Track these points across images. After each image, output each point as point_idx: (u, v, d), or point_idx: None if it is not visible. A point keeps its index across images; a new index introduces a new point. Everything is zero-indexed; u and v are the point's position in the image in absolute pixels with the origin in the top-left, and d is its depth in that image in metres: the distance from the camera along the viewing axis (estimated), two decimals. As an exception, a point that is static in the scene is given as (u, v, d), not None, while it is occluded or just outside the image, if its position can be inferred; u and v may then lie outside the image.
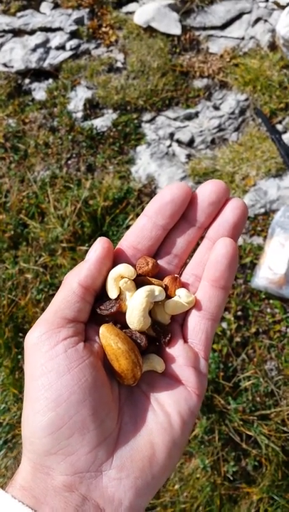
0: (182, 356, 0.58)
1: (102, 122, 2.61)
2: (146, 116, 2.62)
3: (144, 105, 2.61)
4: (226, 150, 2.44)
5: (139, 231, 0.60)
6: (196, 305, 0.60)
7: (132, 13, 2.89)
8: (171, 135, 2.55)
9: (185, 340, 0.60)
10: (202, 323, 0.60)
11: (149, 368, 0.58)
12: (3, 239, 2.33)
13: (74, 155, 2.54)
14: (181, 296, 0.59)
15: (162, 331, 0.60)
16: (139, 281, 0.60)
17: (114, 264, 0.60)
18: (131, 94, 2.63)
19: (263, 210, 2.22)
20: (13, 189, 2.45)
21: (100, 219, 2.29)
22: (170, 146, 2.52)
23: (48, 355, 0.52)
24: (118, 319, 0.60)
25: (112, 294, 0.59)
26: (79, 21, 2.93)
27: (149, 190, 2.39)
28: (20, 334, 2.13)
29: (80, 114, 2.65)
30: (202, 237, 0.62)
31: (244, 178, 2.30)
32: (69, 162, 2.53)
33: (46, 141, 2.59)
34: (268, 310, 2.07)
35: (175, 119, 2.59)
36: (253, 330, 2.03)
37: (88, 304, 0.57)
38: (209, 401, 1.92)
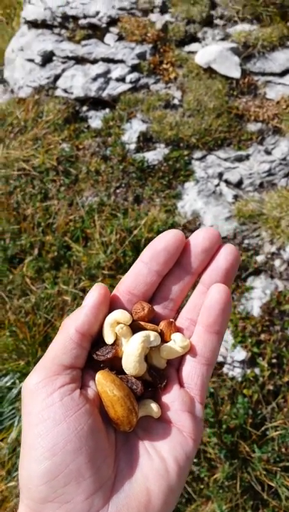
0: (178, 401, 0.59)
1: (153, 156, 2.65)
2: (197, 154, 2.65)
3: (196, 143, 2.65)
4: (274, 195, 2.46)
5: (135, 276, 0.61)
6: (192, 350, 0.61)
7: (193, 52, 2.96)
8: (220, 175, 2.58)
9: (181, 385, 0.60)
10: (198, 368, 0.60)
11: (145, 413, 0.59)
12: (46, 259, 2.37)
13: (123, 185, 2.59)
14: (177, 341, 0.60)
15: (158, 376, 0.60)
16: (135, 327, 0.60)
17: (111, 309, 0.61)
18: (184, 132, 2.67)
19: (306, 259, 2.22)
20: (60, 211, 2.50)
21: (142, 250, 2.30)
22: (218, 185, 2.55)
23: (45, 403, 0.53)
24: (114, 364, 0.60)
25: (109, 339, 0.59)
26: (141, 56, 3.01)
27: (193, 227, 2.42)
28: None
29: (133, 146, 2.70)
30: (196, 282, 0.63)
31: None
32: (117, 191, 2.57)
33: (98, 168, 2.64)
34: (303, 360, 2.05)
35: (225, 160, 2.62)
36: (286, 379, 2.01)
37: (85, 349, 0.58)
38: (234, 447, 1.90)
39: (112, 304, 0.61)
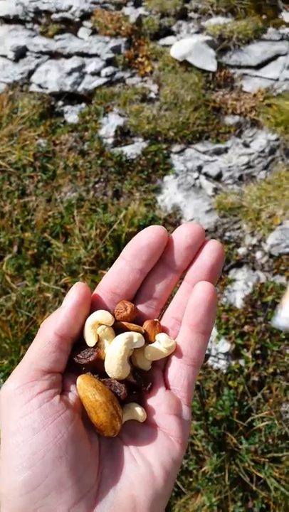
0: (164, 404, 0.57)
1: (131, 150, 2.63)
2: (176, 148, 2.64)
3: (174, 137, 2.64)
4: (254, 187, 2.46)
5: (117, 275, 0.59)
6: (177, 351, 0.59)
7: (168, 45, 2.95)
8: (200, 168, 2.57)
9: (167, 387, 0.59)
10: (183, 369, 0.58)
11: (130, 417, 0.57)
12: (25, 256, 2.34)
13: (102, 179, 2.56)
14: (161, 342, 0.58)
15: (143, 378, 0.58)
16: (117, 327, 0.59)
17: (92, 309, 0.59)
18: (162, 125, 2.66)
19: (287, 250, 2.23)
20: (39, 208, 2.47)
21: (123, 244, 2.29)
22: (198, 178, 2.55)
23: (23, 410, 0.51)
24: (97, 367, 0.58)
25: (90, 341, 0.57)
26: (116, 49, 2.98)
27: (174, 220, 2.41)
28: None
29: (110, 140, 2.68)
30: (181, 280, 0.61)
31: (270, 217, 2.31)
32: (96, 186, 2.55)
33: (75, 163, 2.61)
34: (288, 351, 2.06)
35: (204, 153, 2.61)
36: (271, 370, 2.01)
37: (65, 353, 0.56)
38: (221, 439, 1.90)
39: (94, 304, 0.59)
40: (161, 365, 0.60)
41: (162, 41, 3.01)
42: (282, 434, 1.91)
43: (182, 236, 0.59)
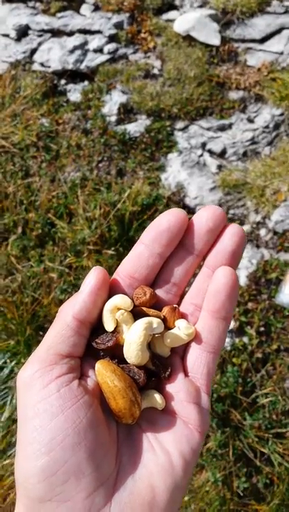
0: (183, 391, 0.56)
1: (135, 127, 2.61)
2: (180, 125, 2.62)
3: (178, 113, 2.62)
4: (258, 163, 2.44)
5: (136, 259, 0.58)
6: (197, 337, 0.58)
7: (171, 20, 2.90)
8: (203, 145, 2.55)
9: (186, 374, 0.58)
10: (203, 357, 0.57)
11: (149, 404, 0.56)
12: (30, 237, 2.35)
13: (105, 158, 2.55)
14: (181, 328, 0.57)
15: (162, 365, 0.58)
16: (136, 313, 0.58)
17: (111, 294, 0.58)
18: (166, 102, 2.63)
19: (291, 227, 2.21)
20: (43, 188, 2.46)
21: (127, 223, 2.29)
22: (201, 155, 2.52)
23: (41, 394, 0.50)
24: (115, 353, 0.58)
25: (109, 326, 0.57)
26: (118, 25, 2.94)
27: (177, 198, 2.40)
28: (41, 333, 2.14)
29: (113, 118, 2.66)
30: (201, 265, 0.60)
31: (275, 193, 2.29)
32: (100, 165, 2.54)
33: (78, 142, 2.60)
34: (291, 327, 2.06)
35: (208, 129, 2.59)
36: (275, 347, 2.02)
37: (83, 337, 0.55)
38: (225, 415, 1.91)
39: (112, 289, 0.59)
40: (181, 351, 0.60)
41: (165, 16, 2.96)
42: (286, 410, 1.92)
43: (203, 219, 0.58)
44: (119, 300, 0.56)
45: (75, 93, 2.82)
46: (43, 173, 2.53)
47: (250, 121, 2.59)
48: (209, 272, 0.58)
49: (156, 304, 0.59)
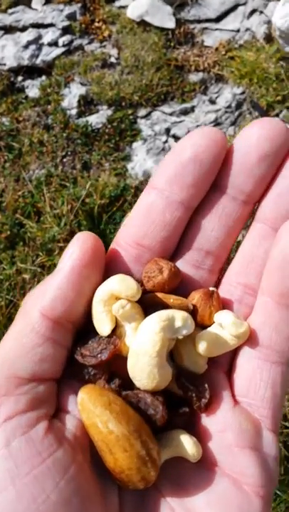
0: (233, 430, 0.36)
1: (96, 119, 2.57)
2: (142, 112, 2.58)
3: (139, 100, 2.58)
4: (224, 144, 2.41)
5: (145, 216, 0.38)
6: (252, 339, 0.37)
7: (124, 7, 2.85)
8: (168, 130, 2.51)
9: (236, 401, 0.38)
10: (265, 370, 0.37)
11: (174, 454, 0.36)
12: (-1, 239, 2.30)
13: (69, 153, 2.51)
14: (225, 325, 0.37)
15: (195, 388, 0.37)
16: (148, 303, 0.38)
17: (106, 275, 0.38)
18: (125, 90, 2.59)
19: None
20: (8, 189, 2.41)
21: (96, 217, 2.25)
22: (166, 141, 2.49)
23: None
24: (116, 368, 0.38)
25: (103, 327, 0.37)
26: (71, 17, 2.89)
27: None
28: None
29: (74, 111, 2.61)
30: (251, 219, 0.40)
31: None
32: (64, 160, 2.49)
33: (41, 139, 2.55)
34: None
35: (171, 114, 2.55)
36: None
37: (61, 346, 0.36)
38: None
39: (109, 267, 0.38)
40: (226, 364, 0.39)
41: (118, 3, 2.90)
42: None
43: (252, 140, 0.37)
44: (117, 284, 0.36)
45: (33, 89, 2.76)
46: (7, 173, 2.47)
47: (212, 102, 2.55)
48: (268, 229, 0.38)
49: (181, 287, 0.39)
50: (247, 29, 2.62)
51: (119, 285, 0.36)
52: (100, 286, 0.37)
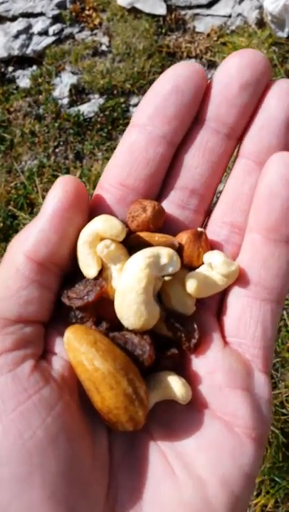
0: (223, 371, 0.35)
1: (88, 108, 2.55)
2: (134, 100, 2.55)
3: (131, 88, 2.55)
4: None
5: (128, 154, 0.37)
6: (242, 277, 0.36)
7: (115, -6, 2.82)
8: (160, 118, 2.49)
9: (226, 342, 0.37)
10: (255, 308, 0.35)
11: (164, 396, 0.35)
12: (-8, 232, 2.29)
13: (61, 143, 2.48)
14: (215, 265, 0.36)
15: (184, 328, 0.36)
16: (133, 243, 0.37)
17: (91, 216, 0.37)
18: (117, 78, 2.56)
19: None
20: (0, 180, 2.40)
21: (90, 207, 2.24)
22: (159, 129, 2.47)
23: None
24: (103, 312, 0.37)
25: (89, 269, 0.36)
26: (61, 5, 2.85)
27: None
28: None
29: (65, 101, 2.59)
30: (235, 156, 0.39)
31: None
32: (56, 150, 2.47)
33: (32, 129, 2.53)
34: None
35: (163, 102, 2.53)
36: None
37: (47, 289, 0.36)
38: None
39: (94, 209, 0.38)
40: (214, 305, 0.38)
41: (108, -10, 2.88)
42: (268, 377, 1.90)
43: (232, 71, 0.36)
44: (101, 224, 0.35)
45: (24, 79, 2.73)
46: (-1, 165, 2.46)
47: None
48: (251, 164, 0.37)
49: (167, 229, 0.38)
50: (238, 14, 2.59)
51: (103, 225, 0.35)
52: (84, 229, 0.36)
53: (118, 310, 0.35)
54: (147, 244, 0.36)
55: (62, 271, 0.37)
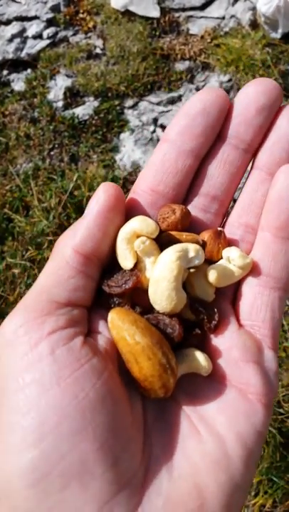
0: (238, 347, 0.41)
1: (83, 111, 2.55)
2: (129, 102, 2.56)
3: (125, 91, 2.56)
4: (211, 133, 2.40)
5: (160, 165, 0.43)
6: (255, 270, 0.42)
7: (109, -3, 2.83)
8: (155, 120, 2.50)
9: (240, 324, 0.43)
10: (265, 295, 0.42)
11: (189, 369, 0.41)
12: (-12, 235, 2.29)
13: (56, 145, 2.49)
14: (233, 259, 0.42)
15: (205, 312, 0.42)
16: (164, 241, 0.43)
17: (127, 218, 0.43)
18: (112, 81, 2.57)
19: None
20: (-5, 183, 2.40)
21: (85, 209, 2.24)
22: (154, 131, 2.47)
23: (28, 358, 0.36)
24: (137, 300, 0.44)
25: (126, 262, 0.42)
26: (55, 8, 2.86)
27: (134, 178, 2.35)
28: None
29: (60, 104, 2.59)
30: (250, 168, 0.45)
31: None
32: (52, 153, 2.48)
33: (27, 132, 2.53)
34: None
35: (158, 104, 2.53)
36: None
37: (90, 279, 0.41)
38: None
39: (128, 212, 0.44)
40: (230, 293, 0.45)
41: (102, -7, 2.89)
42: None
43: (250, 96, 0.43)
44: (138, 224, 0.41)
45: (18, 82, 2.74)
46: (-5, 168, 2.46)
47: (199, 90, 2.54)
48: (264, 175, 0.44)
49: (191, 227, 0.45)
50: (232, 16, 2.60)
51: (140, 224, 0.41)
52: (123, 227, 0.42)
53: (152, 296, 0.41)
54: (176, 241, 0.43)
55: (102, 263, 0.42)
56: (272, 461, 1.77)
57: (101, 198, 0.41)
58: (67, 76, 2.67)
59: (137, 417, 0.39)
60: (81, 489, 0.33)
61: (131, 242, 0.42)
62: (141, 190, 0.44)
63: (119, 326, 0.39)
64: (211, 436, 0.38)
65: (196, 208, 0.45)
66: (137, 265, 0.43)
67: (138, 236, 0.42)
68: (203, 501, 0.35)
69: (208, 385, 0.42)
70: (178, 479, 0.36)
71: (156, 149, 0.44)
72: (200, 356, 0.41)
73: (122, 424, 0.36)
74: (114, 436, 0.35)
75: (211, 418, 0.40)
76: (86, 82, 2.59)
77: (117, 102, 2.56)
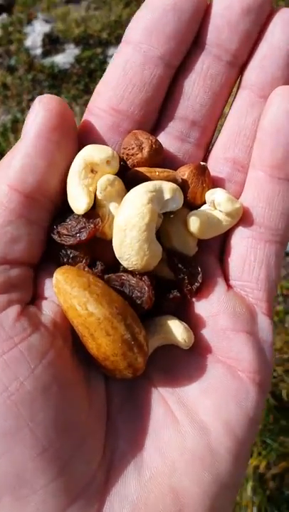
0: (226, 314, 0.33)
1: (63, 59, 2.42)
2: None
3: (108, 38, 2.43)
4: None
5: (121, 75, 0.34)
6: (245, 217, 0.34)
7: None
8: (140, 70, 2.39)
9: (228, 284, 0.35)
10: (259, 249, 0.34)
11: (165, 341, 0.33)
12: None
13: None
14: (219, 203, 0.33)
15: (186, 269, 0.34)
16: (130, 180, 0.33)
17: (80, 146, 0.33)
18: (93, 27, 2.43)
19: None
20: (-28, 136, 2.28)
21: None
22: (139, 81, 2.37)
23: None
24: (99, 253, 0.34)
25: (78, 203, 0.32)
26: None
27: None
28: None
29: (39, 51, 2.45)
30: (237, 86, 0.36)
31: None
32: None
33: (4, 81, 2.40)
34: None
35: (143, 52, 2.42)
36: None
37: (36, 226, 0.31)
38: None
39: (82, 137, 0.34)
40: (217, 246, 0.36)
41: None
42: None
43: None
44: (90, 150, 0.31)
45: (-7, 28, 2.58)
46: None
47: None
48: (254, 96, 0.35)
49: (166, 163, 0.35)
50: None
51: (92, 150, 0.31)
52: (77, 156, 0.32)
53: (117, 249, 0.32)
54: (147, 180, 0.32)
55: (53, 206, 0.32)
56: (266, 424, 1.77)
57: (40, 113, 0.31)
58: (46, 21, 2.52)
59: (98, 403, 0.31)
60: (16, 506, 0.25)
61: (84, 177, 0.32)
62: (99, 109, 0.35)
63: (67, 292, 0.30)
64: (193, 425, 0.31)
65: (171, 135, 0.35)
66: (98, 210, 0.33)
67: (92, 170, 0.32)
68: (181, 508, 0.28)
69: (188, 360, 0.34)
70: (149, 481, 0.29)
71: (115, 55, 0.34)
72: (178, 325, 0.33)
73: (75, 417, 0.28)
74: (62, 435, 0.27)
75: (192, 402, 0.32)
76: (65, 28, 2.46)
77: (99, 50, 2.43)
